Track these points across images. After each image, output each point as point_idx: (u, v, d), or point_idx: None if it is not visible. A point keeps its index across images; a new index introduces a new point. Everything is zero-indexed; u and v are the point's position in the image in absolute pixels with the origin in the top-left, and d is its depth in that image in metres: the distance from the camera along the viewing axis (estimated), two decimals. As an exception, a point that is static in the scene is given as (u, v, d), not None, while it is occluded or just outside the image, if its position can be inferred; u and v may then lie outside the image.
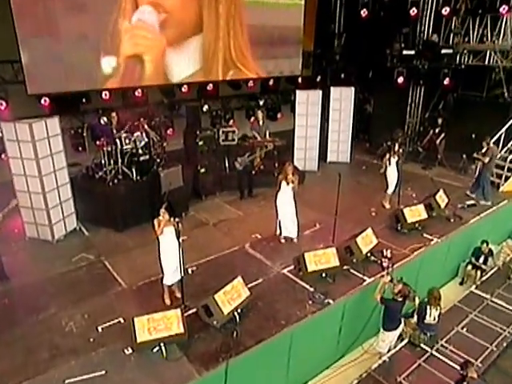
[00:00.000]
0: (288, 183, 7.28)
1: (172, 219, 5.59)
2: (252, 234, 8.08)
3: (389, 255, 7.23)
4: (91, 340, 5.27)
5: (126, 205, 8.23)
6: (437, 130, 11.94)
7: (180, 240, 5.59)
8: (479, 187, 9.61)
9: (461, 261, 8.92)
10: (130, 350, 5.06)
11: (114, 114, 8.74)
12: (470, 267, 8.63)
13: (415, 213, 8.22)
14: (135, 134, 8.65)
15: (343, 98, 11.93)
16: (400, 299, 5.87)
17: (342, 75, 14.27)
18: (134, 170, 8.49)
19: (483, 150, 9.24)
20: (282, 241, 7.75)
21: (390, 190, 9.17)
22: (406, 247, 7.55)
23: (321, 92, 11.22)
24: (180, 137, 10.71)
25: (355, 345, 6.82)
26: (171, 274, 5.88)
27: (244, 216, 9.03)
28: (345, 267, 6.86)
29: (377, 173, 11.12)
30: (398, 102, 13.37)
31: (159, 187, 8.26)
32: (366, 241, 7.23)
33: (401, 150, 8.83)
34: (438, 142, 11.62)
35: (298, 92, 11.33)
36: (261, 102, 13.72)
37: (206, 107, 12.40)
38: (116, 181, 8.41)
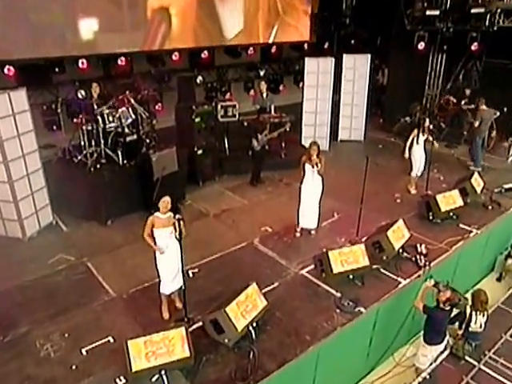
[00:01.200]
0: (312, 166, 6.53)
1: (172, 216, 4.79)
2: (261, 226, 7.37)
3: (424, 251, 6.54)
4: (74, 367, 4.52)
5: (112, 194, 7.48)
6: (463, 103, 11.16)
7: (181, 242, 4.79)
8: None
9: (498, 253, 8.28)
10: (124, 380, 4.30)
11: (95, 85, 7.83)
12: (510, 261, 7.99)
13: (449, 199, 7.52)
14: (120, 110, 7.76)
15: (357, 67, 11.09)
16: (447, 308, 5.17)
17: (352, 41, 13.31)
18: (119, 153, 7.68)
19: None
20: (298, 234, 7.01)
21: (415, 173, 8.49)
22: (442, 241, 6.87)
23: (333, 59, 10.32)
24: (170, 113, 9.83)
25: (386, 356, 6.21)
26: (170, 282, 5.14)
27: (250, 205, 8.26)
28: (374, 266, 6.14)
29: (395, 153, 10.50)
30: (416, 71, 12.50)
31: (150, 173, 7.43)
32: (398, 234, 6.53)
33: (431, 127, 8.03)
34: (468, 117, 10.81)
35: (307, 60, 10.44)
36: (261, 73, 12.78)
37: (199, 79, 11.45)
38: (98, 166, 7.60)
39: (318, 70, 10.36)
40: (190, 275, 6.01)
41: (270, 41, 12.18)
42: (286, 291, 5.82)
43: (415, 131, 8.13)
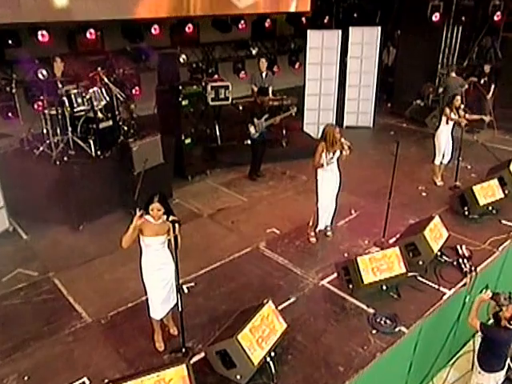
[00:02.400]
0: (333, 152, 5.79)
1: (165, 220, 3.93)
2: (266, 228, 6.63)
3: (466, 253, 5.81)
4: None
5: (83, 192, 6.59)
6: (482, 81, 10.52)
7: (177, 251, 3.92)
8: None
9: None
10: None
11: (59, 60, 6.87)
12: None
13: (488, 191, 6.82)
14: (91, 91, 6.84)
15: (365, 42, 10.33)
16: (512, 326, 4.40)
17: (355, 14, 12.55)
18: (91, 142, 6.78)
19: None
20: (313, 240, 6.22)
21: (439, 160, 7.81)
22: (485, 240, 6.16)
23: (340, 32, 9.54)
24: (149, 99, 8.95)
25: (425, 382, 5.51)
26: (161, 303, 4.25)
27: (250, 203, 7.46)
28: (409, 274, 5.38)
29: (409, 139, 9.89)
30: (429, 48, 11.83)
31: (130, 166, 6.55)
32: (436, 234, 5.79)
33: (462, 106, 7.32)
34: (489, 96, 10.16)
35: (309, 33, 9.66)
36: (253, 51, 11.90)
37: (183, 57, 10.54)
38: (66, 158, 6.68)
39: (322, 44, 9.63)
40: (185, 291, 5.18)
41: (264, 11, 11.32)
42: (306, 308, 5.03)
43: (447, 110, 7.39)
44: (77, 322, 4.76)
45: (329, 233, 6.40)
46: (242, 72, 12.02)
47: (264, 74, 8.90)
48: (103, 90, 7.00)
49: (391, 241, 6.11)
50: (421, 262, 5.54)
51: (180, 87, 7.72)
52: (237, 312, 4.55)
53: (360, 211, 7.04)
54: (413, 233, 5.80)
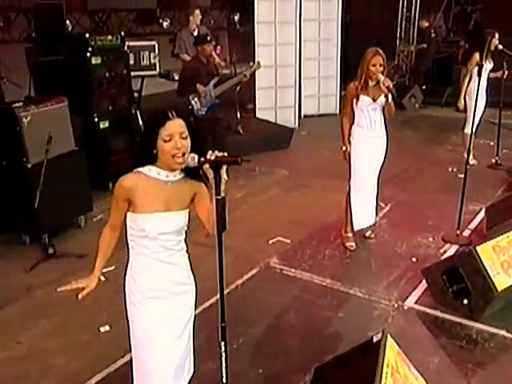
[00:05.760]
0: (374, 98, 4.31)
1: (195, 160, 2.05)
2: (266, 238, 5.13)
3: None
4: None
5: None
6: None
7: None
8: None
9: None
10: None
11: None
12: None
13: None
14: None
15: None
16: None
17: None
18: None
19: None
20: (351, 245, 4.71)
21: (470, 128, 6.74)
22: None
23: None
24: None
25: None
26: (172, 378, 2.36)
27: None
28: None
29: (394, 123, 9.00)
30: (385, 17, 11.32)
31: (21, 152, 4.43)
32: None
33: (501, 46, 6.35)
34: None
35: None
36: (165, 24, 10.32)
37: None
38: None
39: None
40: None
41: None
42: (409, 350, 3.29)
43: (477, 55, 6.39)
44: None
45: (369, 233, 4.86)
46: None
47: (196, 32, 7.50)
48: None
49: (466, 233, 4.89)
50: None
51: (87, 35, 5.76)
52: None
53: (391, 203, 5.66)
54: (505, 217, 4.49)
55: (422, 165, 7.09)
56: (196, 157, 2.04)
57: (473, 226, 5.06)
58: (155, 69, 7.10)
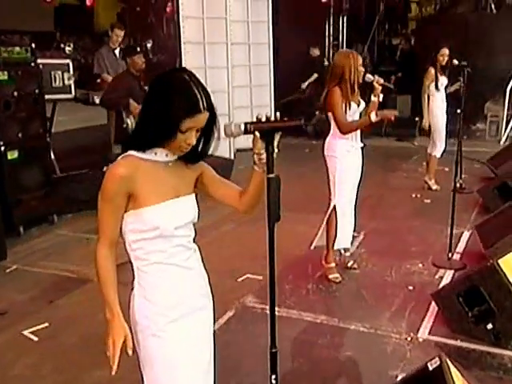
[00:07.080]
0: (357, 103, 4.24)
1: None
2: (234, 276, 4.65)
3: None
4: None
5: None
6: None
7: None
8: None
9: None
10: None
11: None
12: None
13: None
14: None
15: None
16: None
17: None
18: None
19: None
20: (335, 277, 4.36)
21: (440, 151, 6.88)
22: None
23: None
24: None
25: None
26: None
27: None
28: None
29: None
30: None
31: None
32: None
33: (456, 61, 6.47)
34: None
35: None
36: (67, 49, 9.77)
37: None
38: None
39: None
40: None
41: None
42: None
43: (432, 70, 6.47)
44: None
45: (351, 263, 4.54)
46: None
47: (118, 50, 7.12)
48: None
49: (455, 257, 4.74)
50: None
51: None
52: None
53: (364, 231, 5.43)
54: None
55: (384, 191, 7.13)
56: (242, 124, 1.68)
57: (460, 249, 4.94)
58: (70, 92, 6.42)
